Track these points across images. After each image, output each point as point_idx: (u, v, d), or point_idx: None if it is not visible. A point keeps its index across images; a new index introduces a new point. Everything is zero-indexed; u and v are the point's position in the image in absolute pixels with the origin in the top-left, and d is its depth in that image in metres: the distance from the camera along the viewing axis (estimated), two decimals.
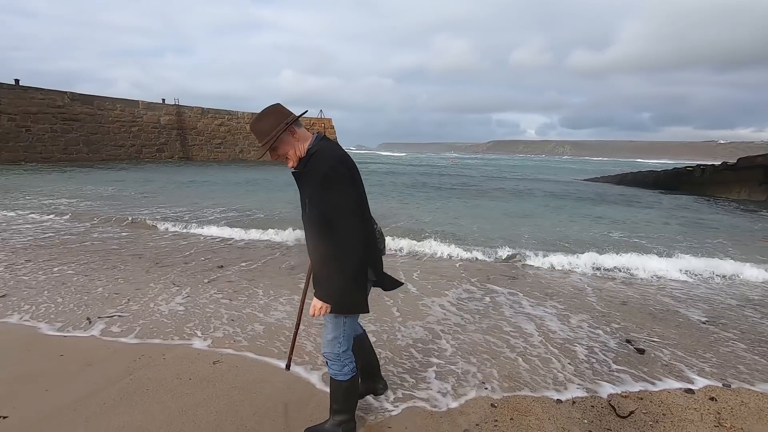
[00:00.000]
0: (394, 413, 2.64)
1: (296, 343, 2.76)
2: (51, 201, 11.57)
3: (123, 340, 3.50)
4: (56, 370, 2.95)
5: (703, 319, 4.45)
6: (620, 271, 6.16)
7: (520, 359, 3.42)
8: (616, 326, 4.19)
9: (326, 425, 2.34)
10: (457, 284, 5.42)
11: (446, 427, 2.53)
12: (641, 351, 3.61)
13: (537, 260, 6.45)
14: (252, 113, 39.24)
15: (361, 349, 2.48)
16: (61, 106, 29.28)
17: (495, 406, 2.75)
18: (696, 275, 6.03)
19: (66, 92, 29.75)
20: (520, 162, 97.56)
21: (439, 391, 2.91)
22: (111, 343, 3.41)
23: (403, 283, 2.40)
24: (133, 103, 33.45)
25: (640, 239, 8.95)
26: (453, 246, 7.05)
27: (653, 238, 9.10)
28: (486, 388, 2.97)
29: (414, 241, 7.26)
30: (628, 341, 3.81)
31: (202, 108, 37.58)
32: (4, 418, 2.39)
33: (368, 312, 2.16)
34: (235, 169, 29.66)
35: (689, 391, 3.00)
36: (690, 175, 21.50)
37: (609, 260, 6.34)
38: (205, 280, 5.18)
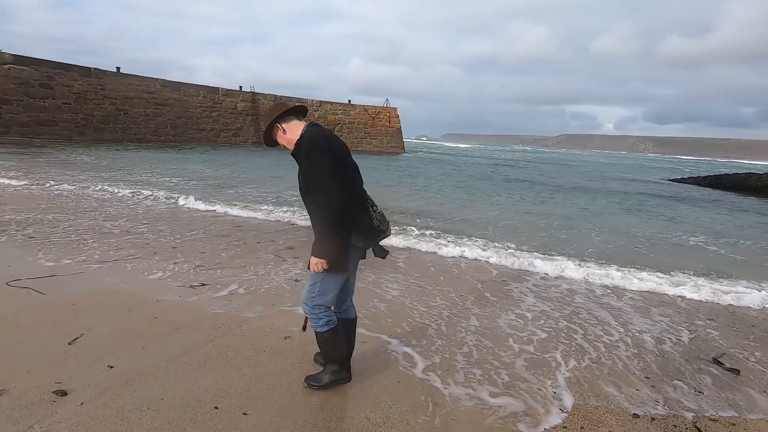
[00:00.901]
0: (461, 405, 2.63)
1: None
2: (165, 179, 13.12)
3: (209, 309, 3.81)
4: (151, 330, 3.29)
5: None
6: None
7: (596, 362, 3.24)
8: (705, 339, 3.82)
9: (322, 373, 2.68)
10: (532, 274, 5.27)
11: (510, 426, 2.48)
12: (735, 371, 3.26)
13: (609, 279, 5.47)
14: (320, 101, 40.34)
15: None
16: (153, 91, 32.13)
17: (564, 411, 2.64)
18: None
19: (158, 79, 32.55)
20: (597, 158, 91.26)
21: (511, 388, 2.85)
22: (196, 311, 3.73)
23: (388, 252, 2.60)
24: (214, 90, 35.80)
25: (727, 249, 8.04)
26: (512, 252, 6.79)
27: (752, 251, 8.13)
28: (555, 393, 2.85)
29: (477, 241, 7.09)
30: (718, 358, 3.46)
31: (275, 95, 39.28)
32: (111, 367, 2.72)
33: (346, 271, 2.47)
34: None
35: None
36: None
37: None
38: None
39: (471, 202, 12.77)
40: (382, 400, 2.60)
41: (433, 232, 7.69)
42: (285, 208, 8.99)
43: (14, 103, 25.42)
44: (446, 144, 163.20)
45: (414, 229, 7.77)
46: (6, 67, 25.17)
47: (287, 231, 7.24)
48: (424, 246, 6.58)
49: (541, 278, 5.47)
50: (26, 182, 10.40)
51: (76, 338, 3.03)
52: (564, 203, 13.99)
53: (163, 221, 7.37)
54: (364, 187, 2.54)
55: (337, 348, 2.60)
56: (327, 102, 40.80)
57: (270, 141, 2.51)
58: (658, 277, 5.65)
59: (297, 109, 2.47)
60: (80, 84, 28.25)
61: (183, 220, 7.54)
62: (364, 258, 2.58)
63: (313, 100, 40.60)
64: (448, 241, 6.89)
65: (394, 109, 43.77)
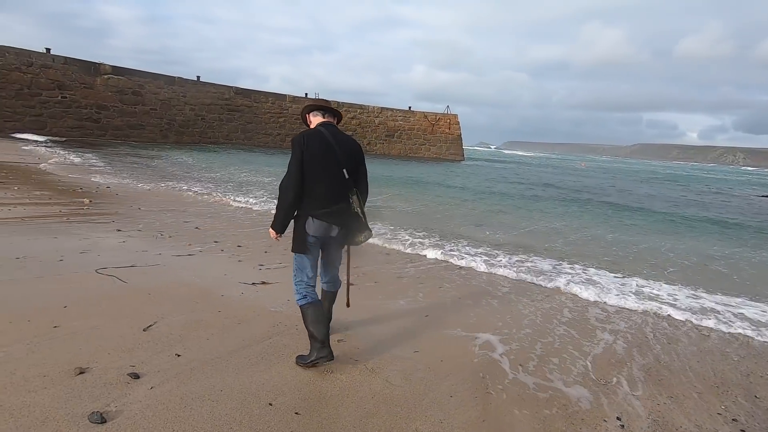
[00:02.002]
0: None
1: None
2: (259, 179, 14.58)
3: (268, 306, 3.96)
4: (216, 322, 3.47)
5: None
6: None
7: (674, 397, 2.92)
8: None
9: (309, 352, 2.92)
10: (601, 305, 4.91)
11: None
12: None
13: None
14: (381, 107, 40.95)
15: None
16: (227, 98, 34.47)
17: None
18: None
19: (231, 87, 34.88)
20: (690, 171, 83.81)
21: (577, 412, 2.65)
22: (256, 307, 3.89)
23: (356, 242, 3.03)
24: (282, 97, 37.64)
25: None
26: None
27: None
28: (624, 425, 2.61)
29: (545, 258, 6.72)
30: None
31: (338, 102, 40.48)
32: (178, 356, 2.90)
33: (303, 253, 2.85)
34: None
35: None
36: None
37: None
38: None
39: (539, 214, 12.24)
40: (433, 414, 2.53)
41: (500, 250, 7.43)
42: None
43: (111, 109, 28.48)
44: (506, 151, 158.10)
45: (468, 244, 7.57)
46: (106, 77, 28.29)
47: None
48: (481, 265, 6.38)
49: (614, 305, 5.07)
50: (149, 184, 11.57)
51: (150, 325, 3.28)
52: (637, 217, 12.96)
53: (234, 221, 7.83)
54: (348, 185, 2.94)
55: (315, 323, 2.86)
56: (387, 108, 41.30)
57: (306, 123, 3.15)
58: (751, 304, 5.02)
59: (326, 108, 3.06)
60: (166, 92, 31.02)
61: (252, 220, 7.95)
62: (346, 243, 3.06)
63: (374, 107, 41.32)
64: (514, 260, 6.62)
65: (455, 115, 43.29)
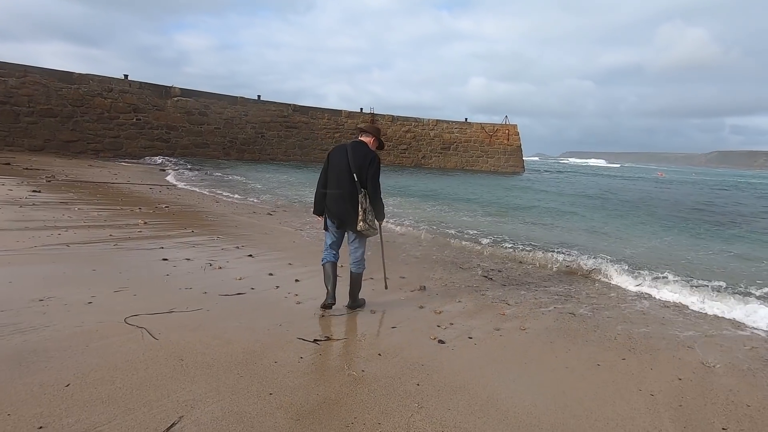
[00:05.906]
0: None
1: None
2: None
3: (336, 383, 2.83)
4: (264, 419, 2.37)
5: None
6: None
7: None
8: None
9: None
10: None
11: None
12: None
13: None
14: (437, 120, 39.83)
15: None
16: (286, 116, 34.98)
17: None
18: None
19: (290, 104, 35.42)
20: None
21: None
22: (319, 386, 2.77)
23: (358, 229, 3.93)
24: (338, 113, 37.69)
25: None
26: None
27: None
28: None
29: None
30: None
31: (393, 116, 39.89)
32: None
33: (326, 230, 4.10)
34: (431, 176, 30.38)
35: None
36: None
37: None
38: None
39: (639, 231, 10.36)
40: None
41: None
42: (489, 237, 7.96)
43: (179, 129, 29.74)
44: (568, 160, 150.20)
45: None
46: (175, 99, 29.68)
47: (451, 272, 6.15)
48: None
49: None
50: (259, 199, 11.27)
51: (172, 425, 2.25)
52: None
53: (292, 247, 6.94)
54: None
55: (325, 278, 4.04)
56: (443, 121, 40.13)
57: None
58: None
59: (362, 130, 4.08)
60: (229, 111, 32.00)
61: (310, 246, 7.02)
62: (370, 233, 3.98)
63: (429, 120, 40.30)
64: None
65: (514, 126, 41.09)
